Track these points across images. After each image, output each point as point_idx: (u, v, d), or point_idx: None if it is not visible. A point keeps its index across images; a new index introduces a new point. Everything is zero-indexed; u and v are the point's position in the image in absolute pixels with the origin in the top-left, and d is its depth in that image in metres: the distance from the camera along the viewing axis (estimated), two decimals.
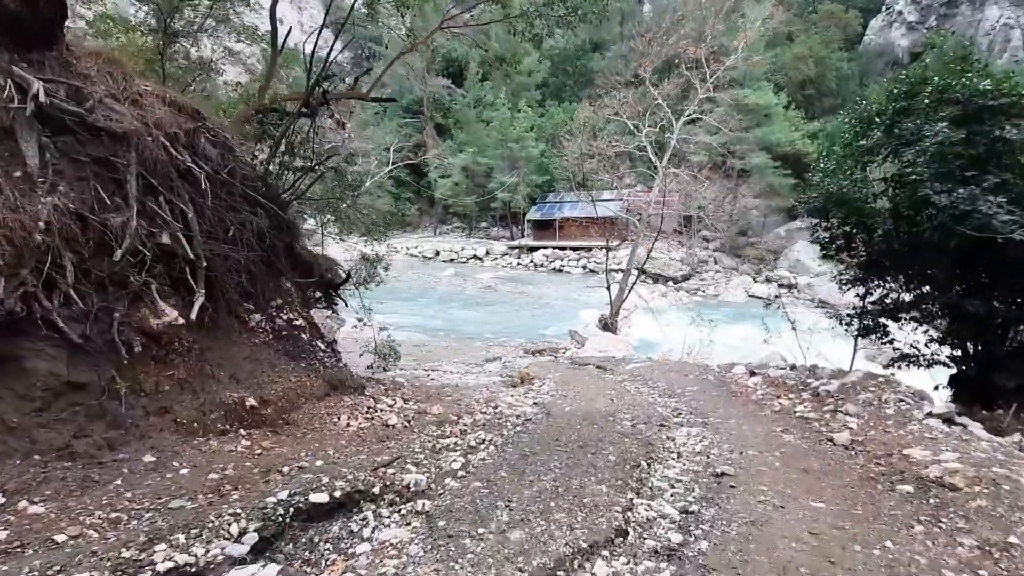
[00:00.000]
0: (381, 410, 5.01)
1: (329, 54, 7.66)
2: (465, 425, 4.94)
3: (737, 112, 27.94)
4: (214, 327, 4.27)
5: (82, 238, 3.61)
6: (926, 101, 6.05)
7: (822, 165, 7.27)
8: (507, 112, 39.88)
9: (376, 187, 47.49)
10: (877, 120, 6.66)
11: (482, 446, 4.34)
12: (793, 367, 7.83)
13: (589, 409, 5.72)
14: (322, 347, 5.61)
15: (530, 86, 47.65)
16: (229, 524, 2.95)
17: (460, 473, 3.86)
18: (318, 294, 6.22)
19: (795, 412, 5.63)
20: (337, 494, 3.37)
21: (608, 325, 16.06)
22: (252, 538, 2.90)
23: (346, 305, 7.36)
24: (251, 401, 4.18)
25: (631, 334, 18.19)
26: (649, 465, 4.16)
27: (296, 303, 5.55)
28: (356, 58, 44.34)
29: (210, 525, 2.92)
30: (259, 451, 3.96)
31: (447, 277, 32.70)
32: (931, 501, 3.52)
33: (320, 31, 7.55)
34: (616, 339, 14.36)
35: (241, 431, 4.15)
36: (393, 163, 35.31)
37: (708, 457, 4.39)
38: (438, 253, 41.04)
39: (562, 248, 35.67)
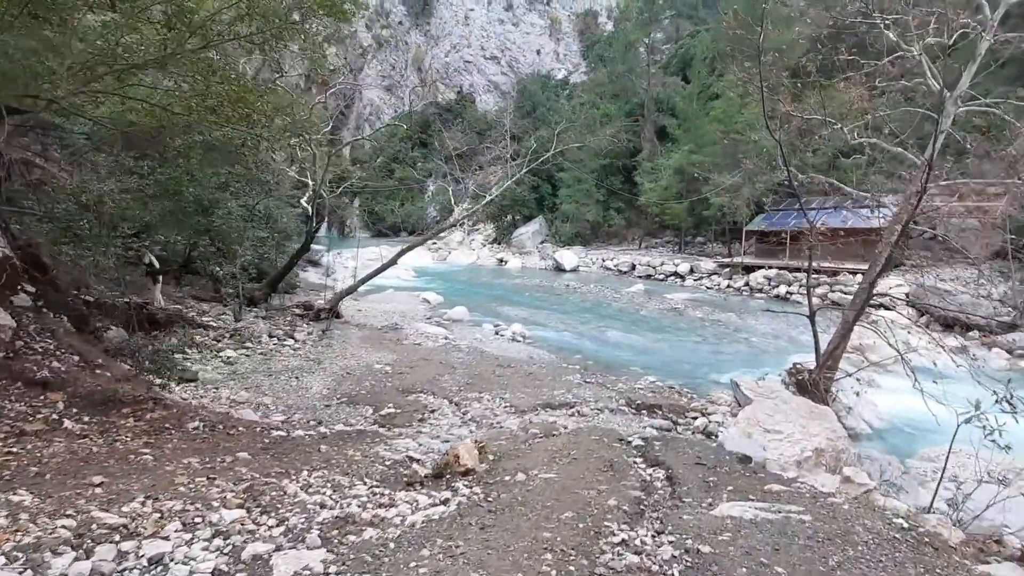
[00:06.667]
0: None
1: None
2: None
3: None
4: None
5: None
6: None
7: None
8: (734, 98, 31.78)
9: (583, 195, 45.03)
10: None
11: None
12: None
13: None
14: None
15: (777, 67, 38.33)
16: None
17: None
18: None
19: None
20: None
21: (807, 384, 9.32)
22: None
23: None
24: None
25: (863, 405, 10.69)
26: None
27: None
28: None
29: None
30: None
31: (631, 294, 27.46)
32: None
33: None
34: (810, 409, 7.85)
35: None
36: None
37: None
38: (634, 267, 35.88)
39: (792, 270, 26.56)
